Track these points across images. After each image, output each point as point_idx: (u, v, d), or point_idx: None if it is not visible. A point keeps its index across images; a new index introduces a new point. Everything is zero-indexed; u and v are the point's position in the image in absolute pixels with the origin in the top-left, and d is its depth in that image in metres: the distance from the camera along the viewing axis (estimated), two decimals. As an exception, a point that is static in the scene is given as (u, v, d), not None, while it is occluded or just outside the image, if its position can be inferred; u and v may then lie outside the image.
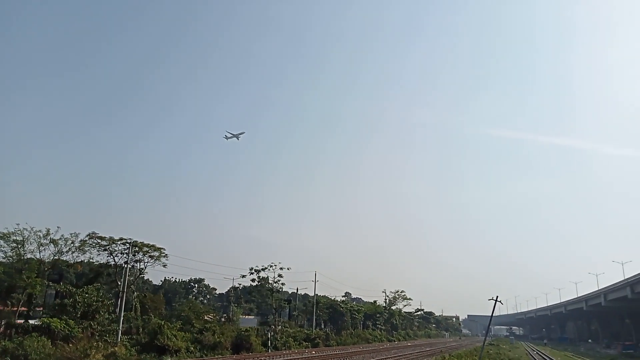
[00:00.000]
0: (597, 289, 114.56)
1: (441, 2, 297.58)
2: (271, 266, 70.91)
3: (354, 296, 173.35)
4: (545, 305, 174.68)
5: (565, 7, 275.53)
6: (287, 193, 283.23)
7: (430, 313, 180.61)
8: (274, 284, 72.90)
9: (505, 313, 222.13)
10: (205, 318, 58.98)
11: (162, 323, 44.22)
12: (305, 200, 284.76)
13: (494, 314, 47.56)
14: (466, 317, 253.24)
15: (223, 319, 71.72)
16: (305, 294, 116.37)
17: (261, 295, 77.09)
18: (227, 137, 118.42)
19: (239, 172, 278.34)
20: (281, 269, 70.88)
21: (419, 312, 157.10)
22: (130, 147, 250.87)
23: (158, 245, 54.19)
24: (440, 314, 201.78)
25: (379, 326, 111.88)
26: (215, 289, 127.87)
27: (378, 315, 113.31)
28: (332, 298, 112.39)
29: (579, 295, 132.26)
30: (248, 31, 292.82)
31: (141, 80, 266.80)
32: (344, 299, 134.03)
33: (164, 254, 54.25)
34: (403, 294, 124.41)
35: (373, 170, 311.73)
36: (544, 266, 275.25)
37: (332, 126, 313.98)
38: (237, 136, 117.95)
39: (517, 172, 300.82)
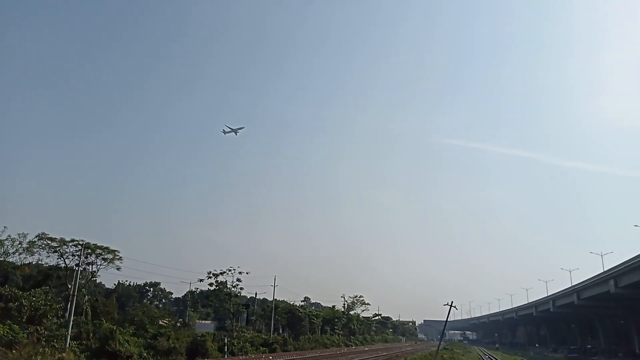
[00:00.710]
0: (546, 295, 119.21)
1: (416, 21, 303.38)
2: (230, 270, 69.88)
3: (313, 301, 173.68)
4: (498, 310, 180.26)
5: (533, 24, 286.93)
6: (247, 196, 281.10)
7: (388, 318, 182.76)
8: (233, 289, 71.85)
9: (460, 318, 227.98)
10: (160, 323, 57.46)
11: (114, 328, 42.74)
12: (266, 204, 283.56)
13: (449, 319, 48.54)
14: (422, 322, 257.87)
15: (179, 324, 70.09)
16: (264, 299, 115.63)
17: (219, 300, 75.60)
18: (224, 132, 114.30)
19: (199, 174, 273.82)
20: (240, 273, 69.91)
21: (377, 317, 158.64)
22: (78, 145, 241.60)
23: (112, 248, 52.42)
24: (398, 318, 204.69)
25: (337, 331, 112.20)
26: (172, 293, 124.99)
27: (336, 320, 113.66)
28: (291, 303, 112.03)
29: (529, 301, 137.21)
30: (208, 35, 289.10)
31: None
32: (303, 303, 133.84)
33: (117, 257, 52.40)
34: (361, 298, 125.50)
35: (345, 176, 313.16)
36: (499, 272, 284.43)
37: (304, 131, 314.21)
38: (235, 131, 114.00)
39: (478, 180, 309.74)
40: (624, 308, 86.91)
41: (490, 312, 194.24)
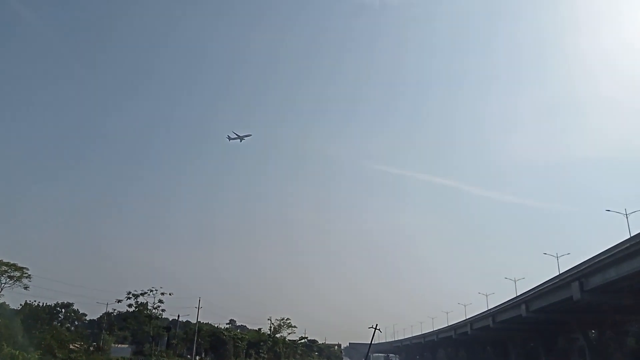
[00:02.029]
0: (464, 319, 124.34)
1: (358, 54, 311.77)
2: (151, 291, 66.85)
3: (239, 323, 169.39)
4: (420, 333, 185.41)
5: (455, 62, 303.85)
6: (166, 212, 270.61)
7: (314, 341, 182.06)
8: (154, 310, 68.59)
9: (384, 341, 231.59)
10: (71, 347, 53.40)
11: (17, 353, 39.20)
12: (194, 220, 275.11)
13: (373, 342, 49.31)
14: (348, 344, 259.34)
15: (92, 348, 65.50)
16: (188, 321, 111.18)
17: (138, 322, 71.80)
18: (230, 138, 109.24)
19: (129, 190, 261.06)
20: (162, 294, 67.09)
21: (303, 340, 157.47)
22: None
23: (19, 265, 48.41)
24: (324, 341, 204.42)
25: (262, 355, 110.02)
26: (86, 315, 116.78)
27: (262, 344, 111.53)
28: (216, 325, 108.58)
29: (449, 324, 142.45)
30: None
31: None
32: (228, 326, 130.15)
33: (26, 274, 48.54)
34: (288, 321, 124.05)
35: (267, 197, 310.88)
36: (423, 296, 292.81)
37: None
38: (242, 138, 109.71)
39: (404, 205, 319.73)
40: (534, 331, 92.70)
41: (413, 335, 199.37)
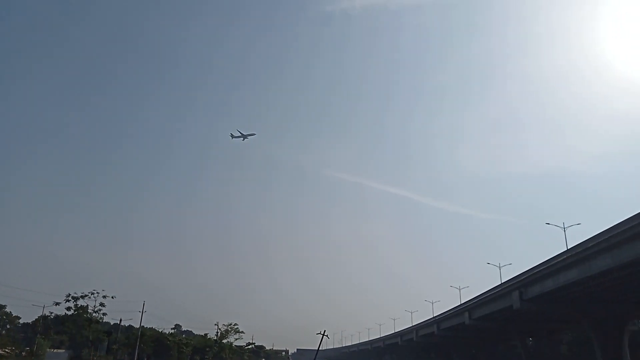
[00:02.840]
0: (410, 325, 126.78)
1: (327, 63, 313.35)
2: (92, 294, 64.04)
3: (184, 328, 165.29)
4: (368, 339, 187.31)
5: (415, 75, 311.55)
6: (113, 216, 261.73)
7: (261, 347, 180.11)
8: (94, 314, 65.70)
9: (332, 347, 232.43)
10: (0, 352, 50.27)
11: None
12: (137, 224, 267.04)
13: (321, 348, 49.33)
14: (296, 350, 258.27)
15: (24, 353, 61.93)
16: (130, 326, 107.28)
17: (77, 326, 68.49)
18: (233, 136, 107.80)
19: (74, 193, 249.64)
20: (104, 297, 64.39)
21: (250, 346, 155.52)
22: None
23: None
24: (271, 347, 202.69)
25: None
26: (20, 318, 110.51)
27: (207, 349, 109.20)
28: (160, 330, 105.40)
29: (395, 331, 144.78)
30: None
31: None
32: (173, 331, 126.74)
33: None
34: (236, 326, 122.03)
35: (210, 201, 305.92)
36: (376, 302, 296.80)
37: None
38: (246, 136, 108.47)
39: (360, 213, 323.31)
40: (476, 338, 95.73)
41: (361, 341, 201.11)
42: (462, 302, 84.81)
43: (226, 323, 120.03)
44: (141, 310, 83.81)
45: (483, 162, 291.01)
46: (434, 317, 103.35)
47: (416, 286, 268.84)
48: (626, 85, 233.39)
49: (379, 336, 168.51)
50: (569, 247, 50.06)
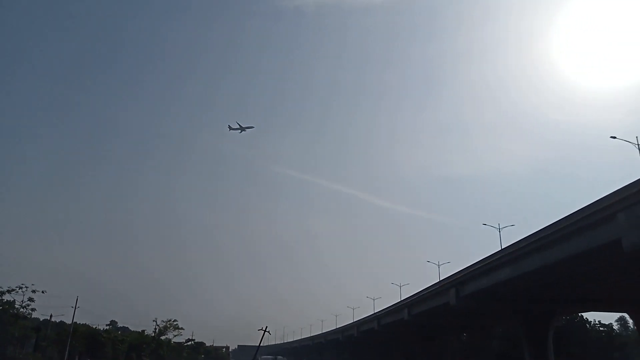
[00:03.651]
0: (352, 321, 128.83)
1: (274, 54, 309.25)
2: (21, 288, 60.43)
3: (120, 325, 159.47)
4: (309, 335, 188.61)
5: (362, 74, 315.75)
6: (45, 206, 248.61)
7: (201, 343, 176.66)
8: (22, 309, 62.01)
9: (274, 343, 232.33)
10: None
11: None
12: (72, 215, 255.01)
13: (262, 344, 49.13)
14: (237, 347, 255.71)
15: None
16: (62, 322, 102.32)
17: (1, 322, 64.44)
18: (230, 128, 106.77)
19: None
20: (33, 291, 60.96)
21: (190, 343, 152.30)
22: None
23: None
24: (212, 344, 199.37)
25: (145, 358, 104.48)
26: None
27: (144, 346, 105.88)
28: (94, 327, 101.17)
29: (337, 327, 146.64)
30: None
31: None
32: (108, 327, 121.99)
33: None
34: (175, 322, 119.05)
35: (152, 193, 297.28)
36: (319, 297, 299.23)
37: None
38: (244, 129, 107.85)
39: (307, 210, 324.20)
40: (415, 333, 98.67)
41: (303, 337, 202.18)
42: (402, 299, 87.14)
43: (165, 319, 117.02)
44: (74, 306, 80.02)
45: (424, 163, 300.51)
46: (374, 313, 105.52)
47: (359, 283, 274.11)
48: (568, 95, 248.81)
49: (320, 332, 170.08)
50: (502, 247, 52.63)
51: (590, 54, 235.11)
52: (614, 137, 43.42)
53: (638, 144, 42.28)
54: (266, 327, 41.43)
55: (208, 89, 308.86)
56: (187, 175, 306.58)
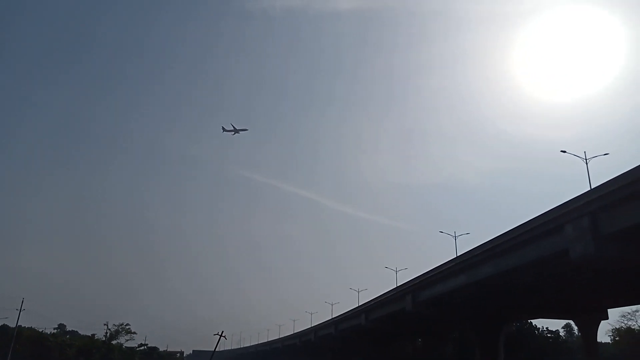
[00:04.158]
0: (309, 326, 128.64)
1: (247, 56, 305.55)
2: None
3: (69, 328, 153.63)
4: (267, 340, 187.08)
5: (331, 82, 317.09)
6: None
7: (155, 348, 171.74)
8: (-40, 312, 58.53)
9: (230, 348, 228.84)
10: None
11: None
12: (26, 214, 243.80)
13: (219, 349, 48.22)
14: (191, 352, 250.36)
15: None
16: (5, 325, 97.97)
17: None
18: (224, 129, 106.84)
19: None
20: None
21: (142, 348, 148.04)
22: None
23: None
24: (165, 349, 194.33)
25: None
26: None
27: (94, 351, 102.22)
28: (40, 330, 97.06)
29: (295, 332, 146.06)
30: None
31: None
32: (55, 331, 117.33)
33: None
34: (127, 327, 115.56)
35: (119, 193, 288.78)
36: (279, 302, 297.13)
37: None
38: (238, 131, 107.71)
39: (272, 214, 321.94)
40: (372, 339, 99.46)
41: (260, 342, 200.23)
42: (359, 304, 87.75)
43: (117, 323, 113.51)
44: (19, 308, 76.42)
45: (390, 170, 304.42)
46: (332, 319, 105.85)
47: (319, 287, 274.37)
48: (524, 108, 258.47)
49: (278, 337, 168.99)
50: (458, 255, 53.95)
51: (547, 70, 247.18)
52: (564, 151, 45.50)
53: (586, 159, 44.46)
54: (222, 332, 40.46)
55: (179, 91, 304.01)
56: (151, 176, 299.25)
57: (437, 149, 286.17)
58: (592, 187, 34.59)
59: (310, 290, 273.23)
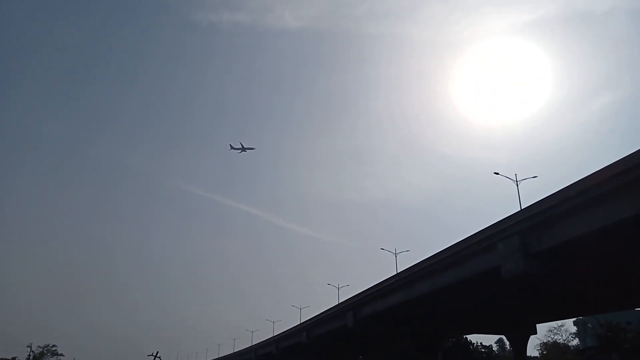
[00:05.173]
0: (250, 345, 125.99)
1: (186, 66, 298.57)
2: None
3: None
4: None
5: (272, 97, 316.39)
6: None
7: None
8: None
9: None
10: None
11: None
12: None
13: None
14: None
15: None
16: None
17: None
18: (232, 147, 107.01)
19: None
20: None
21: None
22: None
23: None
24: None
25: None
26: None
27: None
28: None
29: (234, 351, 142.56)
30: None
31: None
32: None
33: None
34: (54, 348, 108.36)
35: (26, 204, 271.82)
36: (219, 319, 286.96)
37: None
38: (245, 149, 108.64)
39: (210, 230, 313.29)
40: (314, 356, 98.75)
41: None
42: (301, 322, 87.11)
43: (42, 344, 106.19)
44: None
45: (334, 187, 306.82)
46: (273, 337, 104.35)
47: (261, 305, 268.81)
48: (462, 131, 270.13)
49: (217, 356, 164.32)
50: (398, 272, 55.00)
51: (485, 94, 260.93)
52: (497, 173, 47.85)
53: (517, 180, 46.97)
54: (157, 352, 38.95)
55: (111, 98, 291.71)
56: (74, 184, 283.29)
57: (382, 168, 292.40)
58: (522, 208, 36.44)
59: (252, 308, 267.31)
